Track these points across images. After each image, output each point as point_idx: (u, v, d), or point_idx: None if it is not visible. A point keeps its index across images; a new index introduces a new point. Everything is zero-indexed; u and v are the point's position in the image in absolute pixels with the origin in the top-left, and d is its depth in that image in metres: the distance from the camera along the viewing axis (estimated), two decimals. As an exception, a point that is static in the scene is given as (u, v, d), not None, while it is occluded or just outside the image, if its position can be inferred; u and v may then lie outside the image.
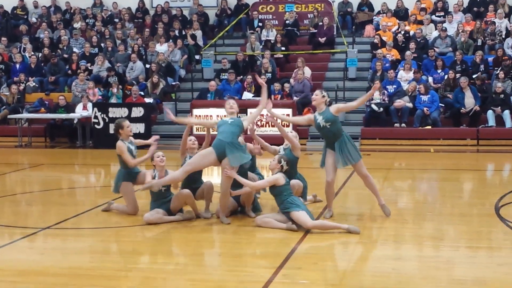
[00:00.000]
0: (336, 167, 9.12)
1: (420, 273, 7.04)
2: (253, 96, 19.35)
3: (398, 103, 18.16)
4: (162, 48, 22.27)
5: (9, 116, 19.94)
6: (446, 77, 19.27)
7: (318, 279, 6.86)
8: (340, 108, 9.40)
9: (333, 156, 9.09)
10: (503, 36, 21.26)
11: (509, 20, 22.07)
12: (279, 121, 10.25)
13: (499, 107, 17.97)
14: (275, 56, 21.70)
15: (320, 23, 22.79)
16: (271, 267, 7.11)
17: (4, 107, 20.51)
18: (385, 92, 18.50)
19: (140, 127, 18.11)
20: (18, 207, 11.09)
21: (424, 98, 18.19)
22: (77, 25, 24.75)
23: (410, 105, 18.25)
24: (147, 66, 21.49)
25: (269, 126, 17.21)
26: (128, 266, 7.53)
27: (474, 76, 19.22)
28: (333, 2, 24.31)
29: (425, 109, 18.02)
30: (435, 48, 20.88)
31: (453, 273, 7.05)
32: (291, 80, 19.95)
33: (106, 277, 6.96)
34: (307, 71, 20.34)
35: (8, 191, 12.55)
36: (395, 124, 18.22)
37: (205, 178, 9.95)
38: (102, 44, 23.11)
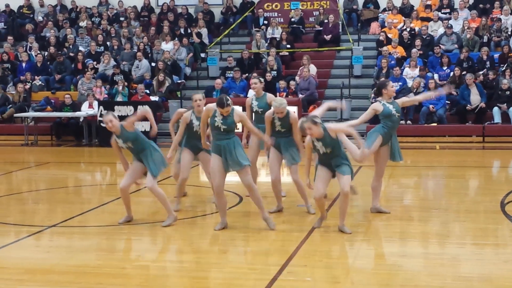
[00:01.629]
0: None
1: (425, 270, 7.03)
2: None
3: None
4: (167, 46, 22.29)
5: (15, 115, 19.97)
6: (451, 74, 19.23)
7: (323, 276, 6.87)
8: (405, 101, 9.85)
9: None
10: (509, 33, 21.19)
11: (515, 16, 22.00)
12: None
13: (505, 104, 17.91)
14: (280, 53, 21.69)
15: (326, 21, 22.77)
16: (276, 265, 7.11)
17: (11, 105, 20.54)
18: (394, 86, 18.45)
19: (146, 125, 18.08)
20: (24, 205, 11.11)
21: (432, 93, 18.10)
22: (83, 23, 24.78)
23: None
24: (153, 64, 21.50)
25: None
26: (134, 264, 7.54)
27: (480, 73, 19.16)
28: (338, -1, 24.29)
29: (430, 106, 17.98)
30: (440, 45, 20.84)
31: (459, 270, 7.04)
32: (297, 78, 19.93)
33: (112, 275, 6.97)
34: (313, 69, 20.32)
35: (15, 190, 12.59)
36: (401, 121, 18.14)
37: None
38: (108, 43, 23.14)
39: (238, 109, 8.64)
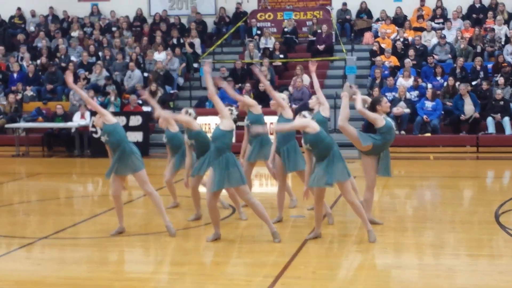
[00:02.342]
0: None
1: (420, 281, 7.02)
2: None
3: (397, 110, 18.12)
4: (160, 56, 22.28)
5: (6, 126, 19.92)
6: (445, 84, 19.28)
7: (320, 287, 6.84)
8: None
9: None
10: (503, 43, 21.28)
11: (508, 26, 22.09)
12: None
13: (499, 114, 17.95)
14: (273, 64, 21.70)
15: (319, 31, 22.80)
16: (269, 276, 7.08)
17: (2, 116, 20.48)
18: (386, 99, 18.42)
19: (138, 136, 18.10)
20: (15, 217, 11.06)
21: (428, 104, 18.17)
22: (74, 34, 24.77)
23: (407, 110, 18.19)
24: (145, 74, 21.50)
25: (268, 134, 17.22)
26: (126, 276, 7.51)
27: (473, 83, 19.22)
28: (331, 9, 24.35)
29: (424, 116, 18.01)
30: (434, 55, 20.90)
31: (454, 281, 7.03)
32: (290, 88, 19.95)
33: (103, 287, 6.93)
34: (306, 79, 20.33)
35: (6, 201, 12.52)
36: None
37: None
38: (100, 53, 23.13)
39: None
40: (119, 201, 9.03)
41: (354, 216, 9.54)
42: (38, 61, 23.02)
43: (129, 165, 8.84)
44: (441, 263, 7.70)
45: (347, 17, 24.20)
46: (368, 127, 18.14)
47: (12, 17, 26.43)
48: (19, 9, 26.37)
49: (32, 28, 25.84)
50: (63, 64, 22.68)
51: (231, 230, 9.20)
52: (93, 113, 18.86)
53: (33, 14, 26.39)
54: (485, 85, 18.92)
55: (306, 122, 8.51)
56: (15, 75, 22.37)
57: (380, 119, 9.02)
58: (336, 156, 8.27)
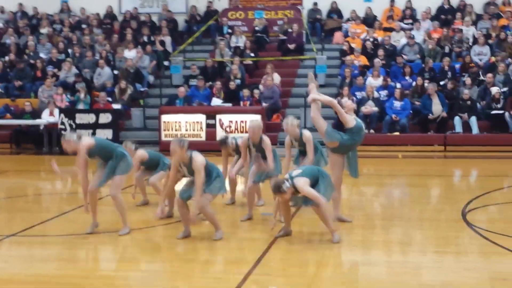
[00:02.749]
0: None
1: (388, 278, 7.08)
2: (222, 102, 19.35)
3: (366, 109, 18.25)
4: (130, 54, 22.16)
5: (-27, 123, 19.71)
6: (414, 83, 19.44)
7: (287, 285, 6.86)
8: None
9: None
10: (470, 44, 21.50)
11: (476, 27, 22.33)
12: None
13: (466, 114, 18.14)
14: (244, 62, 21.70)
15: (290, 30, 22.85)
16: (240, 274, 7.09)
17: (-31, 113, 20.26)
18: (354, 98, 18.53)
19: (108, 133, 18.03)
20: (-17, 215, 10.95)
21: (397, 104, 18.32)
22: (44, 30, 24.55)
23: (376, 109, 18.32)
24: (115, 72, 21.38)
25: (239, 132, 17.32)
26: (95, 274, 7.47)
27: (441, 83, 19.40)
28: (302, 9, 24.42)
29: (393, 115, 18.15)
30: (403, 55, 21.06)
31: (421, 278, 7.09)
32: (261, 86, 19.97)
33: (73, 285, 6.90)
34: (277, 78, 20.39)
35: (-27, 198, 12.39)
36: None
37: None
38: (70, 50, 22.95)
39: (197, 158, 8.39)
40: (96, 197, 8.98)
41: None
42: (7, 58, 22.76)
43: (121, 166, 8.81)
44: (408, 260, 7.77)
45: (318, 16, 24.29)
46: (338, 126, 18.31)
47: (-21, 13, 26.13)
48: (-13, 5, 26.07)
49: (0, 25, 25.56)
50: (31, 61, 22.47)
51: (200, 228, 9.19)
52: (62, 110, 18.73)
53: (2, 10, 26.12)
54: (450, 85, 19.09)
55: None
56: (-18, 71, 22.12)
57: (351, 120, 9.08)
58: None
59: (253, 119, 10.33)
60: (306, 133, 9.87)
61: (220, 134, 10.94)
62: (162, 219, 9.66)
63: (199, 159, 8.26)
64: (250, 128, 9.59)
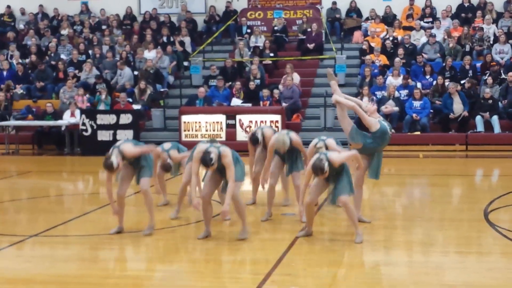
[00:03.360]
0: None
1: (410, 279, 7.05)
2: (242, 102, 19.37)
3: (386, 108, 18.17)
4: (150, 54, 22.22)
5: (-4, 124, 19.85)
6: (434, 83, 19.34)
7: (307, 285, 6.85)
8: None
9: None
10: (491, 42, 21.35)
11: (496, 26, 22.17)
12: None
13: (488, 113, 18.01)
14: (263, 62, 21.69)
15: (309, 29, 22.81)
16: (260, 274, 7.09)
17: (-9, 114, 20.41)
18: (374, 98, 18.45)
19: (128, 134, 18.06)
20: (5, 215, 11.01)
21: (416, 104, 18.22)
22: (64, 32, 24.69)
23: (396, 109, 18.25)
24: (135, 72, 21.45)
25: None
26: (116, 274, 7.50)
27: (462, 82, 19.28)
28: (321, 8, 24.37)
29: (414, 115, 18.06)
30: (423, 54, 20.95)
31: (443, 278, 7.05)
32: (280, 86, 19.95)
33: (94, 285, 6.93)
34: (296, 77, 20.36)
35: (-5, 199, 12.48)
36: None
37: None
38: (90, 51, 23.05)
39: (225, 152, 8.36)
40: (123, 201, 9.00)
41: (343, 215, 9.56)
42: (28, 59, 22.93)
43: (150, 165, 8.95)
44: (430, 261, 7.73)
45: (337, 16, 24.22)
46: (359, 124, 18.30)
47: (1, 15, 26.30)
48: (8, 7, 26.26)
49: (21, 26, 25.74)
50: (52, 62, 22.61)
51: (222, 228, 9.20)
52: (83, 111, 18.83)
53: (23, 12, 26.30)
54: (467, 84, 18.96)
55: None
56: (4, 73, 22.25)
57: (375, 124, 9.05)
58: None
59: (281, 133, 10.04)
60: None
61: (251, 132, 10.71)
62: (183, 219, 9.69)
63: (228, 153, 8.29)
64: (280, 142, 9.43)
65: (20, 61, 22.84)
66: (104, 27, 24.83)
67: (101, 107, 19.67)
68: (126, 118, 18.41)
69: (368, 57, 20.88)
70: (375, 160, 9.21)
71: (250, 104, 19.23)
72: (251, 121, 18.26)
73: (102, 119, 18.39)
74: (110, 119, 18.38)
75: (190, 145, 10.05)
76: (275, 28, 23.50)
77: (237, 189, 8.40)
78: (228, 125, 18.53)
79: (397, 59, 20.33)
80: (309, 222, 8.66)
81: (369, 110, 9.32)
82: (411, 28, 22.71)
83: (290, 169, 9.81)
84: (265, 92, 19.40)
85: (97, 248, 8.49)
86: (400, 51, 20.87)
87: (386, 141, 9.16)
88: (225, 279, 7.17)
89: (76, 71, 21.77)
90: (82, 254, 8.20)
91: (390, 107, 18.27)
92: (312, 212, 8.62)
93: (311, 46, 22.38)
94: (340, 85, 20.79)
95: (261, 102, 19.31)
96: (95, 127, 18.36)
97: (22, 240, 8.85)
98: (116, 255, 8.38)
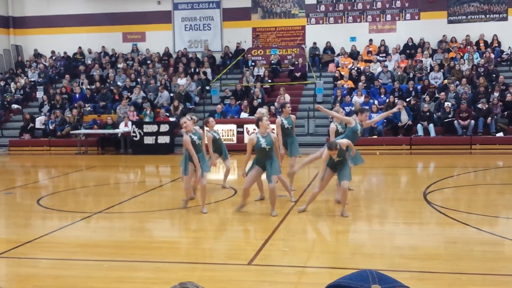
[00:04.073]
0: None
1: (370, 242, 7.04)
2: (248, 115, 19.35)
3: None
4: (182, 81, 22.22)
5: (71, 132, 19.87)
6: (387, 100, 19.30)
7: (296, 247, 6.84)
8: (369, 122, 9.80)
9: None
10: (428, 71, 21.31)
11: (432, 59, 22.14)
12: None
13: (426, 122, 17.99)
14: (263, 86, 21.67)
15: (296, 62, 22.79)
16: (261, 239, 7.08)
17: (68, 125, 20.43)
18: (344, 112, 18.29)
19: (166, 139, 18.09)
20: (78, 198, 11.04)
21: (374, 115, 18.11)
22: (120, 65, 24.70)
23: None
24: (171, 94, 21.46)
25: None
26: (158, 239, 7.50)
27: (407, 100, 19.24)
28: (305, 47, 24.35)
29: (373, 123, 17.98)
30: (379, 80, 20.91)
31: (394, 242, 7.05)
32: (276, 104, 19.92)
33: (142, 248, 6.93)
34: (287, 97, 20.32)
35: (71, 186, 12.51)
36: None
37: None
38: (138, 79, 23.07)
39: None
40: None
41: (323, 195, 9.56)
42: (94, 86, 22.96)
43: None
44: (385, 229, 7.72)
45: (317, 52, 24.19)
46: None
47: (75, 54, 26.35)
48: (79, 48, 26.30)
49: (89, 61, 25.77)
50: (111, 88, 22.62)
51: (233, 206, 9.18)
52: (134, 123, 18.83)
53: (90, 52, 26.32)
54: (413, 101, 18.94)
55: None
56: (77, 95, 22.31)
57: (351, 121, 9.04)
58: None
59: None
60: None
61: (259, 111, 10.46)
62: (209, 201, 9.65)
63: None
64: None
65: (88, 87, 22.87)
66: (148, 62, 24.85)
67: (147, 119, 19.67)
68: (164, 127, 18.40)
69: (339, 82, 20.84)
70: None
71: (254, 117, 19.18)
72: (254, 129, 18.08)
73: (147, 128, 18.38)
74: (153, 128, 18.37)
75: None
76: (272, 61, 23.49)
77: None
78: (238, 132, 18.52)
79: (360, 83, 20.30)
80: (308, 202, 8.59)
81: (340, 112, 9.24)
82: (370, 61, 22.68)
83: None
84: (265, 108, 19.30)
85: (144, 221, 8.50)
86: (362, 77, 20.84)
87: (356, 138, 9.11)
88: (237, 242, 7.15)
89: (129, 94, 21.77)
90: (133, 226, 8.20)
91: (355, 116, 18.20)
92: (314, 197, 8.54)
93: (298, 74, 22.36)
94: (318, 103, 20.91)
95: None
96: (142, 134, 18.36)
97: (89, 216, 8.87)
98: (158, 226, 8.37)
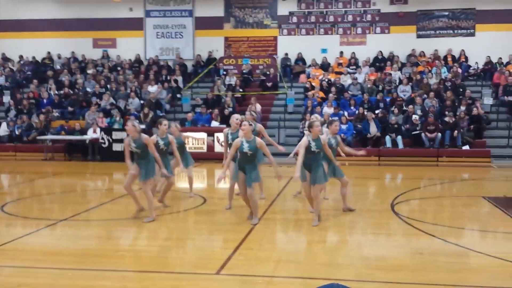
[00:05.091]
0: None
1: (338, 252, 7.06)
2: (219, 124, 19.31)
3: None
4: (152, 89, 22.08)
5: (38, 137, 19.49)
6: (357, 112, 19.50)
7: (265, 256, 6.82)
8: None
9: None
10: (397, 83, 21.63)
11: (401, 72, 22.49)
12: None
13: (394, 134, 18.23)
14: (235, 95, 21.69)
15: (268, 72, 22.89)
16: (230, 248, 7.03)
17: (35, 130, 20.05)
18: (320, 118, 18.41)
19: (135, 146, 17.85)
20: (43, 204, 10.83)
21: (344, 126, 18.33)
22: (90, 71, 24.41)
23: (331, 131, 18.30)
24: (141, 101, 21.28)
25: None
26: (125, 248, 7.39)
27: (376, 112, 19.48)
28: (277, 57, 24.48)
29: (342, 134, 18.13)
30: (349, 92, 21.13)
31: (362, 252, 7.08)
32: (247, 113, 19.81)
33: (107, 257, 6.82)
34: (258, 106, 20.38)
35: (36, 193, 12.26)
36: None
37: None
38: (108, 85, 22.83)
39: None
40: (130, 190, 8.81)
41: (290, 206, 9.54)
42: (62, 91, 22.61)
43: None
44: (353, 239, 7.75)
45: (288, 63, 24.35)
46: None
47: (43, 58, 25.95)
48: (48, 53, 25.92)
49: (58, 67, 25.40)
50: (80, 93, 22.32)
51: (203, 215, 9.11)
52: (102, 129, 18.60)
53: (59, 56, 25.96)
54: (380, 114, 19.18)
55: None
56: (45, 100, 21.95)
57: (325, 137, 8.92)
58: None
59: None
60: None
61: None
62: (175, 209, 9.55)
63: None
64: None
65: (56, 92, 22.53)
66: (119, 68, 24.63)
67: (116, 126, 19.45)
68: (134, 135, 18.17)
69: (310, 93, 20.99)
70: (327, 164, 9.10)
71: (224, 125, 19.16)
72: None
73: (116, 135, 18.16)
74: (122, 135, 18.12)
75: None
76: (244, 71, 23.53)
77: None
78: (208, 141, 18.45)
79: (330, 95, 20.47)
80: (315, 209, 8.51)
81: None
82: (340, 73, 22.91)
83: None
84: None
85: (111, 230, 8.36)
86: (333, 89, 21.03)
87: (333, 151, 9.24)
88: (204, 252, 7.09)
89: (98, 100, 21.52)
90: (99, 234, 8.06)
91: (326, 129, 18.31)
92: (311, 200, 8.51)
93: (269, 84, 22.45)
94: (289, 113, 21.03)
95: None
96: (111, 140, 18.14)
97: (54, 223, 8.69)
98: (125, 235, 8.24)
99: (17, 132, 20.06)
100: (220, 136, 18.24)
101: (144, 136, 8.70)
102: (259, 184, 9.82)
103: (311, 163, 8.29)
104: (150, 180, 8.67)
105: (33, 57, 25.88)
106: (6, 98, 22.64)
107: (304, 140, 8.25)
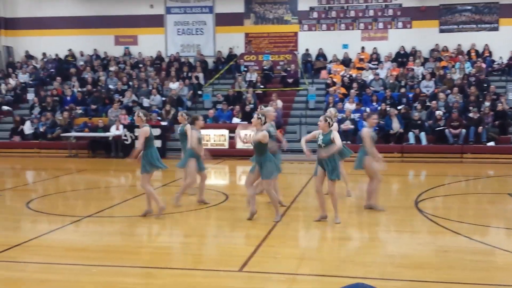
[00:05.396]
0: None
1: (361, 250, 7.01)
2: (240, 121, 19.30)
3: (345, 126, 18.14)
4: (174, 85, 22.17)
5: (61, 134, 19.71)
6: (379, 108, 19.34)
7: (288, 253, 6.80)
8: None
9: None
10: (420, 79, 21.40)
11: (424, 67, 22.24)
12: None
13: (417, 130, 18.04)
14: (256, 92, 21.67)
15: (289, 68, 22.82)
16: (252, 245, 7.03)
17: (59, 127, 20.28)
18: (338, 114, 18.33)
19: (157, 143, 17.86)
20: (68, 201, 10.95)
21: (365, 122, 18.16)
22: (112, 68, 24.61)
23: (352, 126, 18.22)
24: (163, 98, 21.39)
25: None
26: (149, 244, 7.43)
27: (399, 108, 19.29)
28: (298, 53, 24.39)
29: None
30: (371, 87, 20.96)
31: (386, 249, 7.02)
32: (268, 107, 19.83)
33: (131, 253, 6.86)
34: (279, 103, 20.31)
35: (61, 189, 12.40)
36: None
37: None
38: (130, 83, 22.98)
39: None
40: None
41: (314, 202, 9.50)
42: (85, 88, 22.84)
43: None
44: (376, 237, 7.70)
45: (309, 59, 24.24)
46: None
47: (66, 56, 26.23)
48: (70, 50, 26.19)
49: (81, 64, 25.65)
50: (103, 91, 22.52)
51: (225, 212, 9.12)
52: (125, 126, 18.74)
53: (82, 54, 26.22)
54: (403, 109, 18.99)
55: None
56: (68, 98, 22.18)
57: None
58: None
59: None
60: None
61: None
62: (199, 205, 9.57)
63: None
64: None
65: (79, 89, 22.75)
66: (140, 65, 24.77)
67: (138, 123, 19.54)
68: (156, 131, 18.26)
69: (331, 89, 20.87)
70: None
71: (246, 122, 19.16)
72: (246, 134, 18.17)
73: (139, 132, 18.25)
74: (144, 132, 18.28)
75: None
76: (264, 67, 23.49)
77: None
78: (230, 137, 18.47)
79: (352, 91, 20.33)
80: (322, 207, 8.37)
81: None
82: (362, 68, 22.74)
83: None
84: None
85: (134, 226, 8.42)
86: (354, 85, 20.88)
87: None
88: (226, 249, 7.09)
89: (120, 97, 21.68)
90: (123, 230, 8.12)
91: (347, 125, 18.25)
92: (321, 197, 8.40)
93: (290, 80, 22.38)
94: (311, 109, 20.93)
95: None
96: (133, 137, 18.26)
97: (79, 219, 8.79)
98: (148, 231, 8.29)
99: (41, 129, 20.31)
100: (241, 132, 18.26)
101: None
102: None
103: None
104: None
105: (56, 55, 26.17)
106: (30, 96, 22.93)
107: (316, 132, 8.23)
